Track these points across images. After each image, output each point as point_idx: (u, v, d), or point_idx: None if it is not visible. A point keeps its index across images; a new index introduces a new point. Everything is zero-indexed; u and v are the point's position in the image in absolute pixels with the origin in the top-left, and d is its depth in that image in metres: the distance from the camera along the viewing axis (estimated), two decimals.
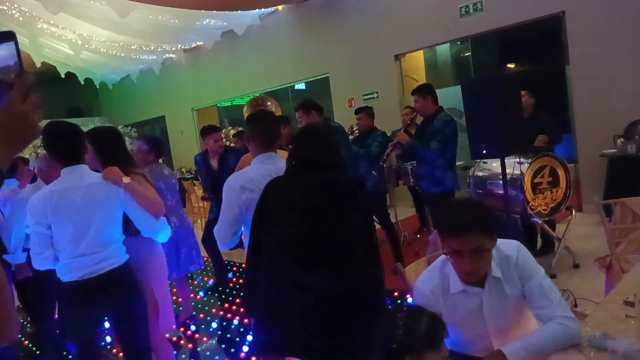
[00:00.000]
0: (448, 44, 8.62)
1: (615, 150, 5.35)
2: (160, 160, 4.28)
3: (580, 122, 5.97)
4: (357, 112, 5.10)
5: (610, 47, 5.57)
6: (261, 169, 2.30)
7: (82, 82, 11.95)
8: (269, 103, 6.05)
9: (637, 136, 5.18)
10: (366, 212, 1.95)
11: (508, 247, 1.71)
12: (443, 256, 1.70)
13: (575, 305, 3.36)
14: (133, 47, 9.74)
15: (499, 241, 1.71)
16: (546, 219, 4.27)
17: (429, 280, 1.74)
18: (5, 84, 0.88)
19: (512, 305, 1.69)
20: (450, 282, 1.70)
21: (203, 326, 4.17)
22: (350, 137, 5.11)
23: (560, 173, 4.26)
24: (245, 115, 6.51)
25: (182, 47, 10.93)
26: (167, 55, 11.33)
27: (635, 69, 5.42)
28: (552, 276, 3.96)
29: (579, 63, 5.87)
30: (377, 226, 5.19)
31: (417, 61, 8.52)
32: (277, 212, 1.96)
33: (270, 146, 2.38)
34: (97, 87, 13.34)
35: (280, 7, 9.23)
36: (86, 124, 11.42)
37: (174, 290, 4.28)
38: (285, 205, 1.95)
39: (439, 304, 1.68)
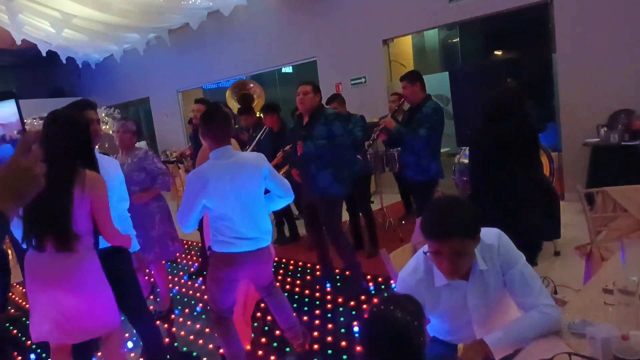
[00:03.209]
0: (436, 30, 8.59)
1: (599, 139, 5.41)
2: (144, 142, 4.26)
3: (564, 111, 6.02)
4: (328, 101, 5.01)
5: (597, 37, 5.60)
6: (215, 165, 2.59)
7: (64, 62, 11.70)
8: (251, 85, 6.03)
9: (619, 126, 5.24)
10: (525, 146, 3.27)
11: (489, 236, 1.71)
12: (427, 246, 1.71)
13: (556, 292, 3.42)
14: (116, 26, 9.53)
15: (481, 231, 1.72)
16: None
17: (414, 272, 1.74)
18: (7, 140, 0.94)
19: (494, 295, 1.71)
20: (434, 275, 1.70)
21: (187, 310, 4.17)
22: None
23: (544, 161, 4.31)
24: (228, 97, 6.53)
25: (167, 27, 10.72)
26: (151, 35, 11.11)
27: (620, 59, 5.47)
28: (534, 263, 4.02)
29: (566, 52, 5.90)
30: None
31: (405, 46, 8.47)
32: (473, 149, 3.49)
33: (221, 142, 2.62)
34: (80, 66, 13.07)
35: None
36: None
37: (151, 280, 4.29)
38: (479, 144, 3.39)
39: (423, 296, 1.68)
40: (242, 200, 2.60)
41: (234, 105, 7.00)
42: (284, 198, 2.82)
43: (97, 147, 2.80)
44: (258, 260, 2.73)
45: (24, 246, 2.26)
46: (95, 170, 2.32)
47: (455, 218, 1.55)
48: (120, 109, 12.50)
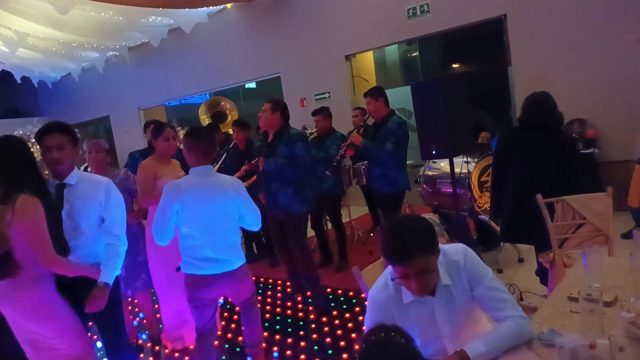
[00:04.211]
0: (396, 45, 8.78)
1: None
2: None
3: None
4: (314, 113, 5.04)
5: (549, 50, 5.86)
6: (193, 181, 2.63)
7: (19, 81, 11.35)
8: (223, 103, 6.00)
9: (574, 134, 5.46)
10: (570, 158, 3.11)
11: (455, 251, 1.75)
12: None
13: (521, 299, 3.51)
14: (74, 44, 9.32)
15: (445, 247, 1.75)
16: None
17: (383, 289, 1.76)
18: None
19: (462, 308, 1.74)
20: (402, 293, 1.73)
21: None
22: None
23: None
24: (201, 115, 6.49)
25: (127, 44, 10.56)
26: (110, 53, 10.91)
27: (571, 70, 5.73)
28: (499, 271, 4.13)
29: (520, 64, 6.14)
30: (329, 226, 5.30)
31: (367, 62, 8.62)
32: (515, 157, 3.20)
33: (205, 160, 2.68)
34: (36, 86, 12.69)
35: (229, 5, 9.10)
36: (24, 125, 10.85)
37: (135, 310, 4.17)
38: (521, 152, 3.16)
39: (392, 313, 1.71)
40: (212, 221, 2.59)
41: (205, 121, 7.02)
42: (252, 226, 2.82)
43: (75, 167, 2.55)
44: (229, 281, 2.69)
45: None
46: (42, 194, 2.19)
47: (412, 238, 1.57)
48: (79, 129, 12.18)
